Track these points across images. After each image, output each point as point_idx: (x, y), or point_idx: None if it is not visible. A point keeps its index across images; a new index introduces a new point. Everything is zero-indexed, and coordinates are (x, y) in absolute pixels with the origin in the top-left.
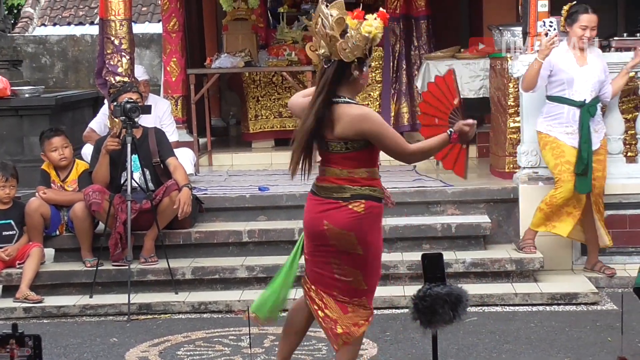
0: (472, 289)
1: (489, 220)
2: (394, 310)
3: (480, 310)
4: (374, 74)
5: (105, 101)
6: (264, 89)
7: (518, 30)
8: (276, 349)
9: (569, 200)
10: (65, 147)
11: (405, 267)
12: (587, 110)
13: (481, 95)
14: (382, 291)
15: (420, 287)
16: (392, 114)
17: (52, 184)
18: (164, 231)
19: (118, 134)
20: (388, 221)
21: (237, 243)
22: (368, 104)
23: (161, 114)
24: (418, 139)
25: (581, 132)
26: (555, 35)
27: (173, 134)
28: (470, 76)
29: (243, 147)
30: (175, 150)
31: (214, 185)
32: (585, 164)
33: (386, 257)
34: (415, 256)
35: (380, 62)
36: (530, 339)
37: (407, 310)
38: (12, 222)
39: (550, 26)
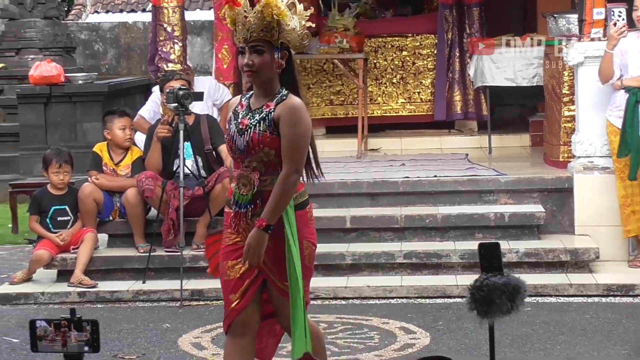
0: (526, 279)
1: (543, 210)
2: (446, 300)
3: (534, 301)
4: (425, 62)
5: (154, 89)
6: (315, 77)
7: (573, 17)
8: (328, 336)
9: (633, 198)
10: (131, 129)
11: (457, 257)
12: (635, 93)
13: (535, 84)
14: (434, 280)
15: (475, 276)
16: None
17: (104, 167)
18: (216, 218)
19: (170, 121)
20: (440, 210)
21: None
22: (420, 92)
23: (212, 89)
24: (470, 127)
25: (625, 115)
26: (624, 25)
27: (226, 95)
28: (524, 64)
29: None
30: None
31: None
32: (629, 149)
33: (438, 246)
34: (468, 245)
35: (433, 50)
36: (586, 331)
37: (459, 299)
38: (67, 208)
39: (619, 15)
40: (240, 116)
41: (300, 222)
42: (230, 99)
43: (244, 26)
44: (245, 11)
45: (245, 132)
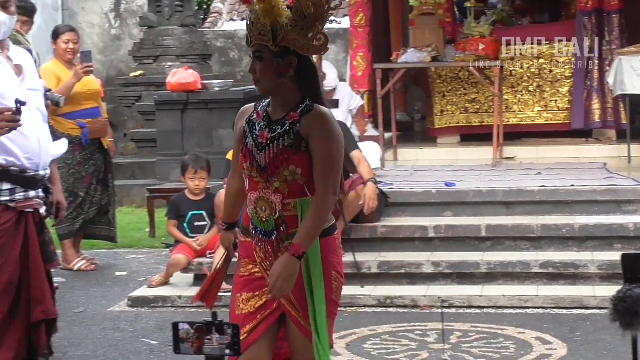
0: None
1: None
2: (583, 311)
3: None
4: (562, 70)
5: None
6: (450, 84)
7: None
8: (463, 345)
9: None
10: None
11: (595, 267)
12: None
13: None
14: (571, 290)
15: (614, 287)
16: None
17: None
18: (350, 225)
19: None
20: (577, 219)
21: (422, 238)
22: (557, 100)
23: (348, 95)
24: (609, 135)
25: None
26: None
27: (358, 103)
28: None
29: (428, 142)
30: (361, 144)
31: (399, 179)
32: None
33: (575, 255)
34: (606, 256)
35: (571, 58)
36: None
37: (597, 310)
38: (204, 213)
39: None
40: (257, 128)
41: (328, 250)
42: (361, 104)
43: (247, 28)
44: (250, 11)
45: (267, 147)
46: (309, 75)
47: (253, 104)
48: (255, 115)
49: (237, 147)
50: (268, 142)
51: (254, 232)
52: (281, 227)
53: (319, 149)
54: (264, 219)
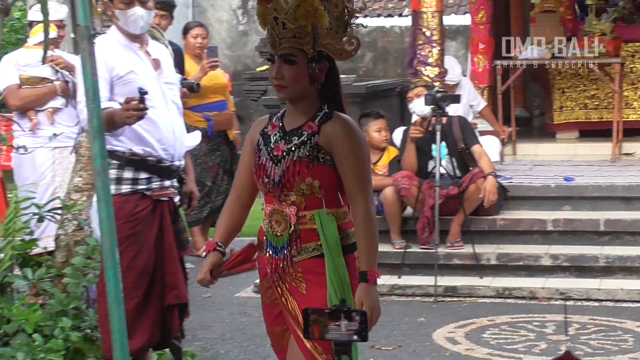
0: None
1: None
2: None
3: None
4: None
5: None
6: (570, 81)
7: None
8: (581, 337)
9: None
10: (387, 130)
11: None
12: None
13: None
14: None
15: None
16: None
17: None
18: (470, 217)
19: (422, 123)
20: None
21: (541, 231)
22: None
23: (470, 90)
24: None
25: None
26: None
27: (481, 102)
28: None
29: (547, 138)
30: (481, 138)
31: (518, 174)
32: None
33: None
34: None
35: None
36: None
37: None
38: None
39: None
40: (272, 140)
41: (351, 270)
42: (484, 105)
43: (273, 30)
44: (275, 10)
45: (282, 160)
46: (335, 82)
47: (268, 115)
48: (270, 127)
49: (244, 157)
50: (284, 154)
51: (267, 247)
52: (296, 242)
53: (347, 159)
54: (278, 234)
